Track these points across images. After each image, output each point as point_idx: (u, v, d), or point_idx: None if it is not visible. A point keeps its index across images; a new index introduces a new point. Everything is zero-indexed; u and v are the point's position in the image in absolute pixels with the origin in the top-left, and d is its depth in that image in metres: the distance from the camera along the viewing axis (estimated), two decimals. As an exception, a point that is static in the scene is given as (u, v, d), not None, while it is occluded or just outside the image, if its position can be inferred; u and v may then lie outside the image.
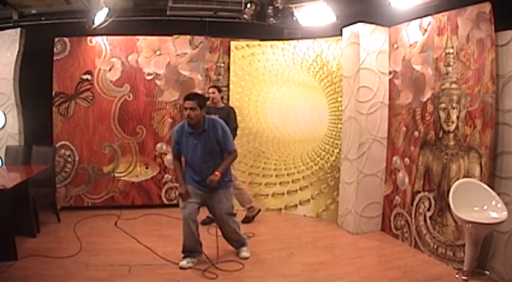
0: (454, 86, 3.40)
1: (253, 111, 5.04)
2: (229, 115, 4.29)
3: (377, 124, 4.20)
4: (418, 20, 3.77)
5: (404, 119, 4.00)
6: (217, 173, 3.16)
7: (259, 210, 4.61)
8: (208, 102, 4.00)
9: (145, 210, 4.84)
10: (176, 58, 5.02)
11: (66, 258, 3.37)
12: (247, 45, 5.07)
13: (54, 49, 4.78)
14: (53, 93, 4.80)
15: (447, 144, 3.46)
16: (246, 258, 3.49)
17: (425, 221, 3.67)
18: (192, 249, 3.34)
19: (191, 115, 3.12)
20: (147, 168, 5.03)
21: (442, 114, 3.51)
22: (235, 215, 3.49)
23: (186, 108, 3.15)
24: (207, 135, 3.23)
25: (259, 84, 5.03)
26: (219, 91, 4.42)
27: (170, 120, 5.05)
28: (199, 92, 4.87)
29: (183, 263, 3.29)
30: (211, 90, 4.40)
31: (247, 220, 4.49)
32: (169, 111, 5.04)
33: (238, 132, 4.47)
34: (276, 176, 4.99)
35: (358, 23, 4.12)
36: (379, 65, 4.17)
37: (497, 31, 3.04)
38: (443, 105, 3.50)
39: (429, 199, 3.65)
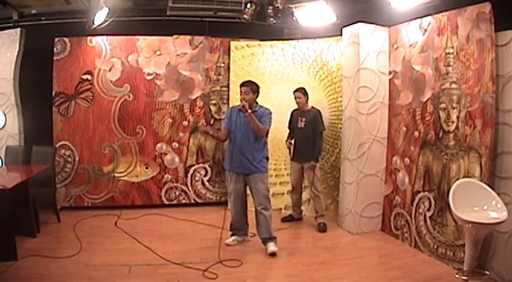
0: (454, 86, 3.40)
1: (253, 111, 5.03)
2: (315, 118, 4.31)
3: (377, 124, 4.20)
4: (418, 20, 3.77)
5: (404, 119, 4.00)
6: (249, 111, 3.54)
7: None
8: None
9: (145, 210, 4.84)
10: (176, 58, 5.02)
11: (66, 258, 3.37)
12: (247, 45, 5.07)
13: (54, 49, 4.78)
14: (53, 93, 4.80)
15: (447, 144, 3.46)
16: (273, 253, 3.56)
17: (425, 221, 3.67)
18: (238, 227, 3.82)
19: (245, 98, 3.59)
20: (147, 168, 5.03)
21: (442, 114, 3.51)
22: (270, 200, 3.73)
23: (241, 92, 3.65)
24: (255, 115, 3.59)
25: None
26: (305, 94, 4.37)
27: (170, 120, 5.05)
28: (200, 92, 4.90)
29: (229, 240, 3.80)
30: (296, 94, 4.38)
31: (324, 227, 4.29)
32: (169, 111, 5.04)
33: None
34: (276, 176, 4.99)
35: (358, 23, 4.12)
36: (379, 65, 4.17)
37: (497, 31, 3.05)
38: (443, 105, 3.50)
39: (429, 199, 3.65)
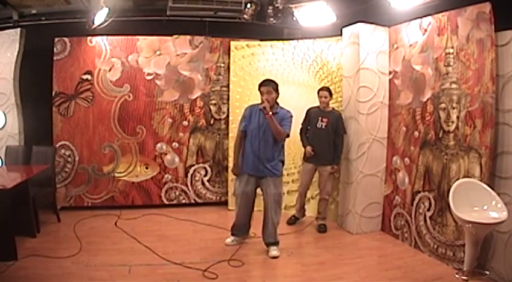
0: (454, 86, 3.40)
1: (253, 111, 5.03)
2: (338, 120, 4.19)
3: (377, 124, 4.20)
4: (418, 20, 3.77)
5: (404, 119, 4.00)
6: (270, 113, 3.38)
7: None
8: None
9: (145, 210, 4.84)
10: (176, 58, 5.02)
11: (66, 258, 3.37)
12: (247, 45, 5.07)
13: (54, 49, 4.78)
14: (53, 93, 4.80)
15: (447, 144, 3.46)
16: (275, 257, 3.54)
17: (425, 221, 3.67)
18: (240, 229, 3.77)
19: (268, 99, 3.46)
20: (147, 168, 5.03)
21: (442, 114, 3.51)
22: (281, 205, 3.63)
23: (262, 93, 3.50)
24: (276, 117, 3.44)
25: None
26: (331, 94, 4.22)
27: (170, 120, 5.05)
28: (200, 92, 4.89)
29: (228, 240, 3.77)
30: (322, 93, 4.21)
31: (324, 228, 4.27)
32: (169, 111, 5.04)
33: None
34: (276, 176, 4.99)
35: (358, 23, 4.12)
36: (379, 65, 4.17)
37: (497, 31, 3.05)
38: (443, 105, 3.50)
39: (429, 199, 3.65)
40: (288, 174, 4.93)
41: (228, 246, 3.72)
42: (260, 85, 3.56)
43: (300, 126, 4.38)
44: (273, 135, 3.46)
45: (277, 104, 3.59)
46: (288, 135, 3.53)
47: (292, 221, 4.48)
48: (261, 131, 3.50)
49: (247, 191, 3.59)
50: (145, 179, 5.03)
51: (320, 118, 4.21)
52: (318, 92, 4.26)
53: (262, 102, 3.46)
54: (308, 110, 4.36)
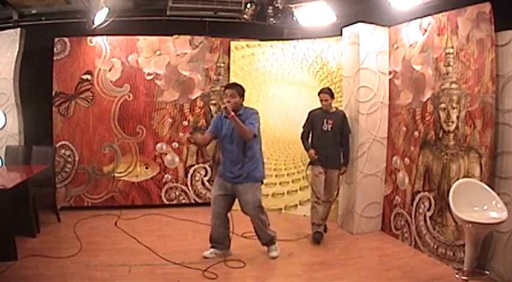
0: (454, 86, 3.40)
1: (253, 111, 5.03)
2: (343, 120, 4.03)
3: (377, 124, 4.20)
4: (418, 20, 3.77)
5: (404, 119, 4.00)
6: (232, 113, 3.18)
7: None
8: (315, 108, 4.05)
9: (145, 210, 4.84)
10: (176, 58, 5.02)
11: (66, 258, 3.37)
12: (247, 45, 5.07)
13: (54, 49, 4.78)
14: (53, 93, 4.80)
15: (447, 144, 3.46)
16: (274, 258, 3.50)
17: (425, 221, 3.67)
18: (218, 241, 3.50)
19: (231, 101, 3.28)
20: (147, 168, 5.03)
21: (442, 114, 3.51)
22: (262, 208, 3.43)
23: (226, 95, 3.34)
24: (241, 119, 3.26)
25: (259, 84, 5.03)
26: (332, 95, 3.99)
27: (170, 120, 5.05)
28: (200, 92, 4.89)
29: (207, 253, 3.48)
30: (322, 96, 3.98)
31: (319, 237, 3.92)
32: (169, 111, 5.04)
33: None
34: (276, 176, 4.99)
35: (358, 23, 4.12)
36: (379, 65, 4.17)
37: (497, 31, 3.05)
38: (443, 105, 3.50)
39: (429, 199, 3.64)
40: (288, 174, 4.94)
41: (206, 258, 3.43)
42: (225, 88, 3.44)
43: (301, 129, 4.14)
44: (241, 138, 3.28)
45: (242, 106, 3.41)
46: (255, 135, 3.29)
47: (318, 236, 3.94)
48: (229, 137, 3.36)
49: (221, 196, 3.40)
50: (145, 179, 5.04)
51: (325, 120, 3.98)
52: (319, 95, 4.02)
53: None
54: (310, 113, 4.10)
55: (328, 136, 3.98)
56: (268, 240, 3.57)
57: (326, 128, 3.98)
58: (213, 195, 3.48)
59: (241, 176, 3.34)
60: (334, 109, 4.09)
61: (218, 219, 3.45)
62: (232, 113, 3.17)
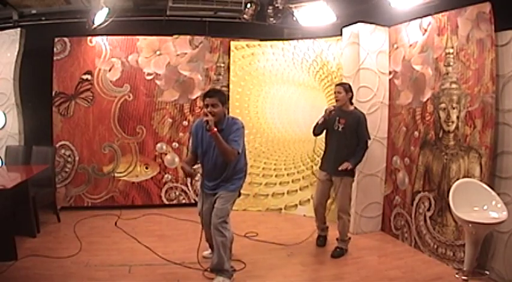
0: (454, 86, 3.40)
1: (253, 111, 5.03)
2: (359, 123, 3.54)
3: (377, 124, 4.20)
4: (418, 20, 3.77)
5: (404, 119, 4.00)
6: (215, 130, 2.78)
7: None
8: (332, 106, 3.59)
9: (145, 210, 4.84)
10: (176, 58, 5.02)
11: (66, 258, 3.37)
12: (247, 45, 5.07)
13: (54, 49, 4.78)
14: (53, 93, 4.80)
15: (447, 144, 3.47)
16: None
17: (425, 221, 3.67)
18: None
19: (213, 112, 2.87)
20: (147, 168, 5.03)
21: (442, 114, 3.51)
22: (227, 224, 2.97)
23: (207, 105, 2.90)
24: (223, 134, 2.88)
25: (259, 84, 5.03)
26: (347, 91, 3.57)
27: (170, 120, 5.05)
28: (200, 92, 4.87)
29: (206, 253, 3.45)
30: (336, 88, 3.60)
31: (339, 253, 3.61)
32: (169, 111, 5.04)
33: None
34: (276, 176, 4.99)
35: (358, 23, 4.12)
36: (379, 65, 4.17)
37: (497, 31, 3.05)
38: (443, 105, 3.50)
39: (429, 199, 3.65)
40: (288, 174, 4.94)
41: (205, 258, 3.38)
42: (205, 95, 2.97)
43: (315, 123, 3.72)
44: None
45: (225, 116, 2.99)
46: (238, 153, 2.90)
47: (321, 242, 3.86)
48: (210, 152, 3.00)
49: (206, 210, 3.10)
50: (145, 179, 5.04)
51: (338, 119, 3.58)
52: (335, 88, 3.69)
53: (206, 115, 2.86)
54: (327, 108, 3.63)
55: (337, 137, 3.59)
56: (218, 266, 2.97)
57: (337, 127, 3.59)
58: (199, 210, 3.19)
59: (220, 186, 3.03)
60: (353, 108, 3.65)
61: (208, 233, 3.14)
62: (215, 130, 2.77)
